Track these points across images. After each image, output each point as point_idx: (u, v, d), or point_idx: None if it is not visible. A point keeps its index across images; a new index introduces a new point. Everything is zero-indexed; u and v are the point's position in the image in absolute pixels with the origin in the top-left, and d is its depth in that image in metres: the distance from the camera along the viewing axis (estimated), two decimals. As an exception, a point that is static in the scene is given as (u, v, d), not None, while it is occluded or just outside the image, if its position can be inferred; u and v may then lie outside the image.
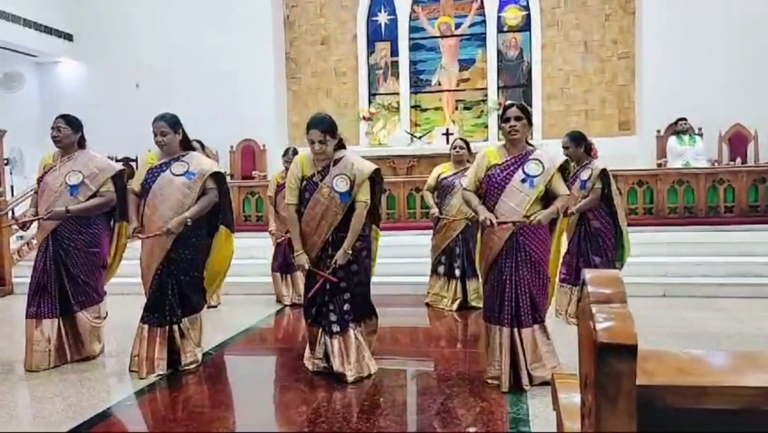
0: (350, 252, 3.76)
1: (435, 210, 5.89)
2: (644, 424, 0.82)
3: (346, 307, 3.84)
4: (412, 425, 3.28)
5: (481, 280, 4.02)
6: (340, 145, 3.90)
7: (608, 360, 0.78)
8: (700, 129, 8.98)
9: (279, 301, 6.28)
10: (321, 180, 3.79)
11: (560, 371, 3.59)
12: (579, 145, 5.17)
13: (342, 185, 3.75)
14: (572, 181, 5.19)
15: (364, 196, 3.79)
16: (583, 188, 5.11)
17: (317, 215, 3.78)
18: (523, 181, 3.63)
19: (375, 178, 3.89)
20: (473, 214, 3.73)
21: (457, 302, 5.86)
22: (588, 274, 0.88)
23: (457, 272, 5.86)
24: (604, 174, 5.06)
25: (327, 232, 3.79)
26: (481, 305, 5.68)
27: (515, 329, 3.64)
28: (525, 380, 3.62)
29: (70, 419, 3.32)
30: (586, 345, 0.87)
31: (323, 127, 3.74)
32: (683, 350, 1.00)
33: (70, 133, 4.33)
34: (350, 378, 3.78)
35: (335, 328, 3.83)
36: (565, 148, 5.15)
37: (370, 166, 3.86)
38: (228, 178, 9.24)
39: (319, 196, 3.78)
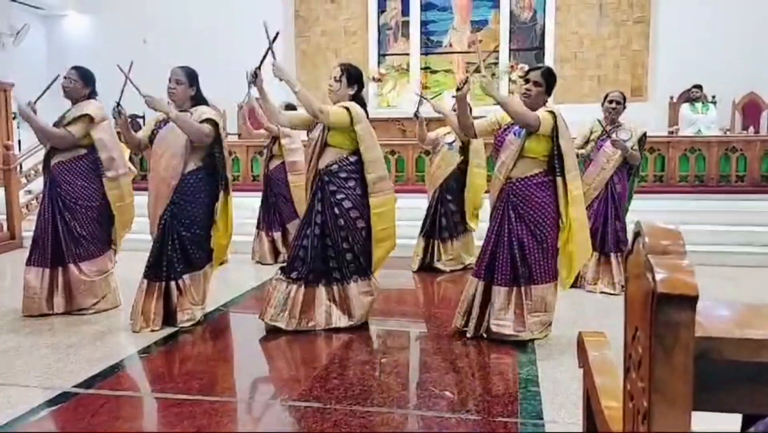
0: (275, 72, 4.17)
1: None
2: (699, 375, 0.82)
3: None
4: (422, 384, 3.31)
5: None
6: (358, 100, 4.03)
7: (667, 311, 0.78)
8: (713, 97, 8.87)
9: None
10: None
11: (523, 337, 3.65)
12: (625, 106, 5.18)
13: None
14: (602, 141, 5.10)
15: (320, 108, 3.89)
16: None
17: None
18: (516, 134, 3.72)
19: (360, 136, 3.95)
20: None
21: (418, 261, 5.77)
22: (644, 226, 0.87)
23: (424, 231, 5.79)
24: (644, 137, 5.13)
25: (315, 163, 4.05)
26: (445, 268, 5.71)
27: (485, 283, 3.70)
28: (471, 329, 3.73)
29: (40, 374, 3.27)
30: (638, 297, 0.86)
31: (345, 66, 4.09)
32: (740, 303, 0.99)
33: (80, 87, 4.38)
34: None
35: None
36: (618, 103, 5.09)
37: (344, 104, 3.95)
38: (236, 138, 9.30)
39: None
